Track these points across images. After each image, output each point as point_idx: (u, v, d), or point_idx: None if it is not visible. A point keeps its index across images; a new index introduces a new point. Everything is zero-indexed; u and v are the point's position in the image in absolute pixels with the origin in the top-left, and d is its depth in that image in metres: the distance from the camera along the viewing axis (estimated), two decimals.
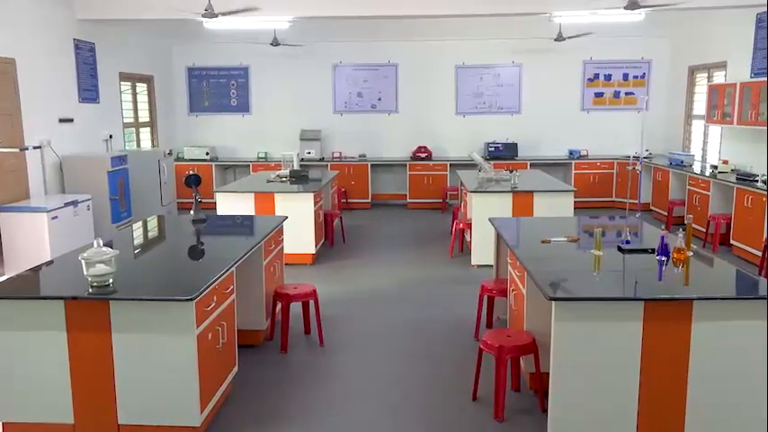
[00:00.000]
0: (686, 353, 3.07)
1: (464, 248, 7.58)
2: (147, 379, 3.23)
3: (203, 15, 7.19)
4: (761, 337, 3.06)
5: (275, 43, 9.94)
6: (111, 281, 3.29)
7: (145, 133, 10.44)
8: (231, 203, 7.03)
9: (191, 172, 5.28)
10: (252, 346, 4.69)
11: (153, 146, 10.54)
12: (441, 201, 10.74)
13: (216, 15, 7.22)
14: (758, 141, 8.02)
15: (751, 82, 7.90)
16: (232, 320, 3.83)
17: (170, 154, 9.54)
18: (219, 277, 3.49)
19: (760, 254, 6.62)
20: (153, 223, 5.31)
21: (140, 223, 5.27)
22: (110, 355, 3.21)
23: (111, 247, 3.38)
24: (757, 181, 7.09)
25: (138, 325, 3.19)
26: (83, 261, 3.24)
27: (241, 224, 5.50)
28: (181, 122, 11.52)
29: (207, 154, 11.00)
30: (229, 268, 3.69)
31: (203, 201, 5.43)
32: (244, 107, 11.49)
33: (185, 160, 10.94)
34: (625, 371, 3.09)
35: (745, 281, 3.51)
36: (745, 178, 7.40)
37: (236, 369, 3.94)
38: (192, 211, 5.19)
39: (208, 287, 3.29)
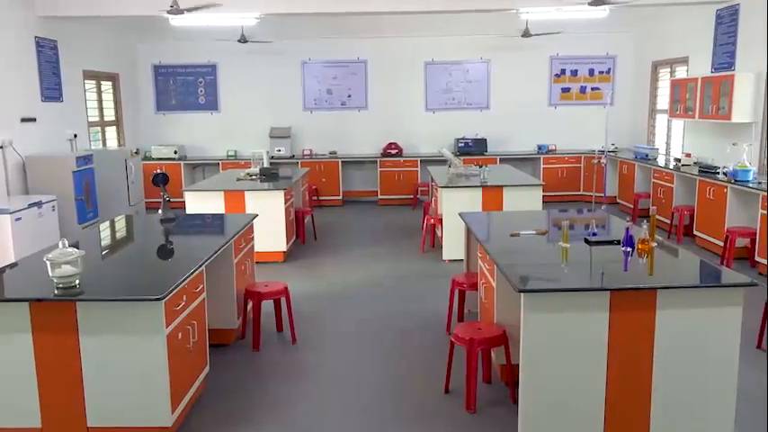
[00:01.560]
0: (651, 340, 3.14)
1: (435, 243, 7.63)
2: (117, 380, 3.19)
3: (169, 12, 7.10)
4: (723, 323, 3.15)
5: (243, 40, 9.85)
6: (77, 282, 3.23)
7: (111, 132, 10.26)
8: (200, 202, 6.96)
9: (158, 171, 5.21)
10: (224, 345, 4.66)
11: (119, 145, 10.37)
12: (412, 197, 10.78)
13: (182, 12, 7.13)
14: (719, 134, 8.22)
15: (711, 76, 8.10)
16: (202, 320, 3.81)
17: (137, 153, 9.41)
18: (189, 276, 3.46)
19: (722, 244, 6.80)
20: (120, 223, 5.23)
21: (107, 223, 5.19)
22: (77, 357, 3.16)
23: (78, 248, 3.33)
24: (719, 173, 7.27)
25: (106, 326, 3.14)
26: (48, 262, 3.18)
27: (210, 223, 5.46)
28: (148, 121, 11.34)
29: (175, 153, 10.86)
30: (199, 267, 3.66)
31: (172, 200, 5.38)
32: (212, 105, 11.37)
33: (153, 159, 10.79)
34: (592, 359, 3.15)
35: (707, 270, 3.61)
36: (708, 171, 7.58)
37: (207, 368, 3.91)
38: (160, 211, 5.13)
39: (177, 287, 3.26)
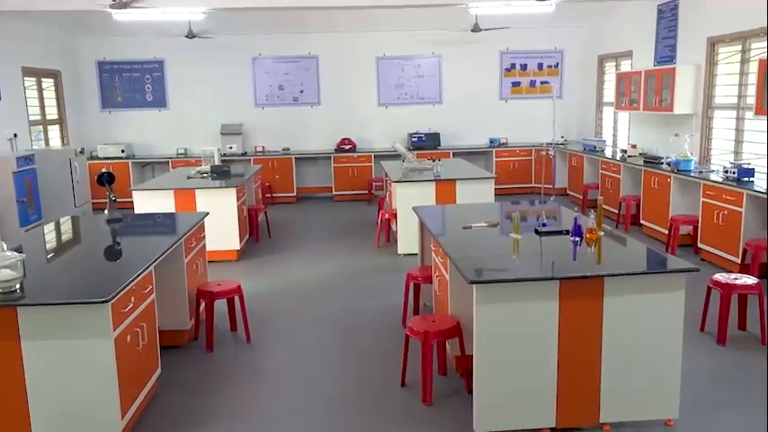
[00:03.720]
0: (599, 326, 3.22)
1: (390, 238, 7.65)
2: (63, 387, 3.08)
3: (111, 6, 6.89)
4: (667, 308, 3.25)
5: (191, 35, 9.64)
6: (17, 286, 3.11)
7: (54, 131, 9.91)
8: (149, 202, 6.79)
9: (104, 170, 5.06)
10: (176, 346, 4.57)
11: (63, 144, 10.03)
12: (366, 192, 10.78)
13: (125, 6, 6.93)
14: (662, 126, 8.49)
15: (654, 70, 8.35)
16: (152, 321, 3.72)
17: (82, 152, 9.13)
18: (136, 278, 3.37)
19: (667, 232, 7.03)
20: (66, 225, 5.06)
21: (52, 225, 5.01)
22: (20, 365, 3.04)
23: (20, 252, 3.20)
24: (662, 163, 7.51)
25: (49, 331, 3.03)
26: None
27: (160, 222, 5.33)
28: (93, 119, 11.00)
29: (123, 151, 10.57)
30: (147, 268, 3.57)
31: (119, 200, 5.24)
32: (160, 102, 11.11)
33: (99, 159, 10.49)
34: (544, 347, 3.22)
35: (651, 257, 3.72)
36: (652, 161, 7.82)
37: (159, 371, 3.83)
38: (106, 211, 4.99)
39: (124, 288, 3.17)
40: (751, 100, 6.54)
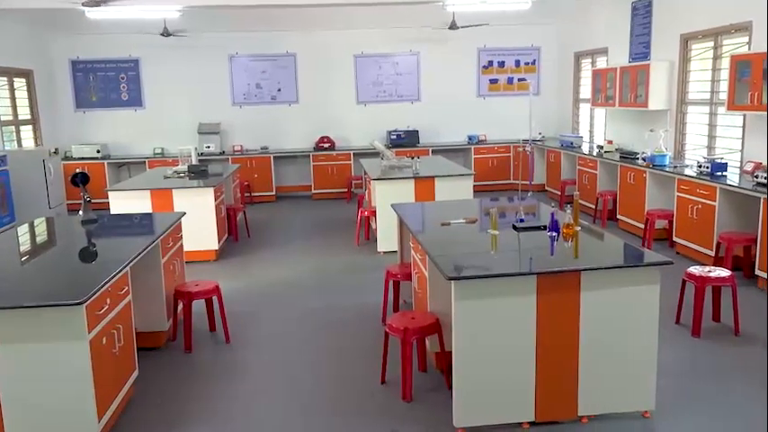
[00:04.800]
0: (577, 320, 3.26)
1: (370, 236, 7.64)
2: (38, 390, 3.03)
3: (84, 4, 6.79)
4: (642, 301, 3.29)
5: (166, 34, 9.55)
6: None
7: (27, 132, 9.74)
8: (126, 202, 6.70)
9: (78, 170, 4.99)
10: (154, 348, 4.52)
11: (36, 145, 9.86)
12: (346, 190, 10.76)
13: (98, 4, 6.83)
14: (638, 122, 8.59)
15: (629, 66, 8.44)
16: (129, 322, 3.67)
17: (56, 153, 8.98)
18: (112, 278, 3.33)
19: (643, 226, 7.12)
20: (40, 227, 4.98)
21: (25, 227, 4.93)
22: None
23: None
24: (638, 159, 7.60)
25: (23, 335, 2.98)
26: None
27: (136, 223, 5.26)
28: (67, 119, 10.83)
29: (98, 152, 10.42)
30: (122, 269, 3.53)
31: (95, 201, 5.16)
32: (136, 101, 10.97)
33: (74, 159, 10.33)
34: (522, 342, 3.24)
35: (627, 251, 3.76)
36: (628, 156, 7.91)
37: (136, 372, 3.78)
38: (80, 212, 4.92)
39: (99, 289, 3.13)
40: (723, 96, 6.65)
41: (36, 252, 4.33)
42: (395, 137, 10.95)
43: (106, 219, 5.18)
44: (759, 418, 3.41)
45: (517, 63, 11.43)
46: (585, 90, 10.29)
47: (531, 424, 3.35)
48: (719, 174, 6.29)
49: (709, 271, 4.59)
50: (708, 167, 6.38)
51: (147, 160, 10.54)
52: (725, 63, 6.70)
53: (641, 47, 8.49)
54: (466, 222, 4.44)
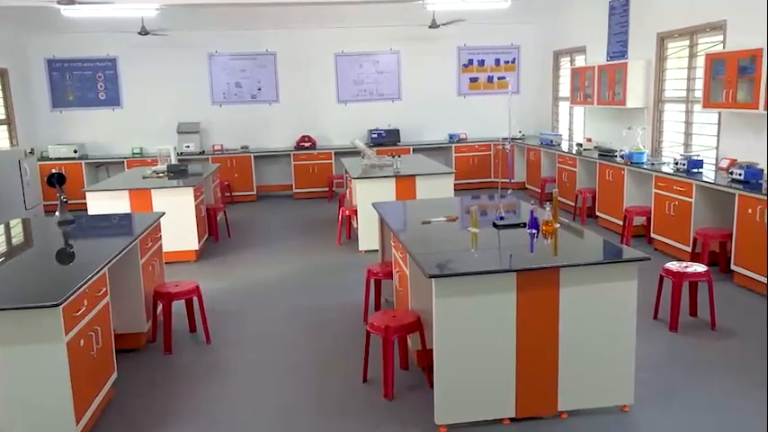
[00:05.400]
0: (556, 316, 3.28)
1: (352, 235, 7.64)
2: (14, 394, 2.99)
3: (59, 2, 6.69)
4: (620, 296, 3.33)
5: (144, 32, 9.45)
6: None
7: (2, 132, 9.59)
8: (104, 203, 6.62)
9: (54, 171, 4.92)
10: (134, 349, 4.48)
11: (12, 145, 9.70)
12: (327, 189, 10.74)
13: (74, 2, 6.74)
14: (616, 119, 8.68)
15: (607, 65, 8.53)
16: (107, 324, 3.63)
17: (32, 153, 8.84)
18: (89, 280, 3.29)
19: (621, 223, 7.20)
20: (16, 228, 4.90)
21: (1, 228, 4.84)
22: None
23: None
24: (616, 156, 7.68)
25: None
26: None
27: (114, 223, 5.20)
28: (44, 119, 10.67)
29: (75, 152, 10.28)
30: (100, 270, 3.49)
31: (71, 202, 5.09)
32: (114, 101, 10.84)
33: (51, 159, 10.19)
34: (503, 339, 3.26)
35: (605, 247, 3.79)
36: (606, 154, 7.99)
37: (115, 375, 3.74)
38: (57, 213, 4.85)
39: (76, 291, 3.09)
40: (699, 93, 6.75)
41: (12, 253, 4.26)
42: (376, 136, 10.95)
43: (83, 219, 5.12)
44: (735, 411, 3.47)
45: (497, 62, 11.49)
46: (565, 88, 10.38)
47: (512, 420, 3.37)
48: (695, 171, 6.38)
49: (686, 266, 4.66)
50: (684, 164, 6.47)
51: (125, 160, 10.42)
52: (700, 61, 6.79)
53: (619, 45, 8.58)
54: (446, 220, 4.46)
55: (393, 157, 7.84)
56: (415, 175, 7.07)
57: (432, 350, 3.31)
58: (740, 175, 5.64)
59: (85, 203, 6.71)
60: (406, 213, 5.06)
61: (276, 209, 10.07)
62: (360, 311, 5.06)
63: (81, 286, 3.17)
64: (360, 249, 7.01)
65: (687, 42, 7.26)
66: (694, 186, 6.05)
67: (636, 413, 3.45)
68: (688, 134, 7.33)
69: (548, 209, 3.91)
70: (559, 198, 8.24)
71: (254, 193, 10.79)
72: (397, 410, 3.59)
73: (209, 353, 4.51)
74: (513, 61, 11.51)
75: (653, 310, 4.83)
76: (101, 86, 10.77)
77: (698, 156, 6.70)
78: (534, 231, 3.88)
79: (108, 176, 10.29)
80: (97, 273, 3.43)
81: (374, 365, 3.95)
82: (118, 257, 3.83)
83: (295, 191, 10.86)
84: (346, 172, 8.02)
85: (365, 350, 3.93)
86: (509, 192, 5.33)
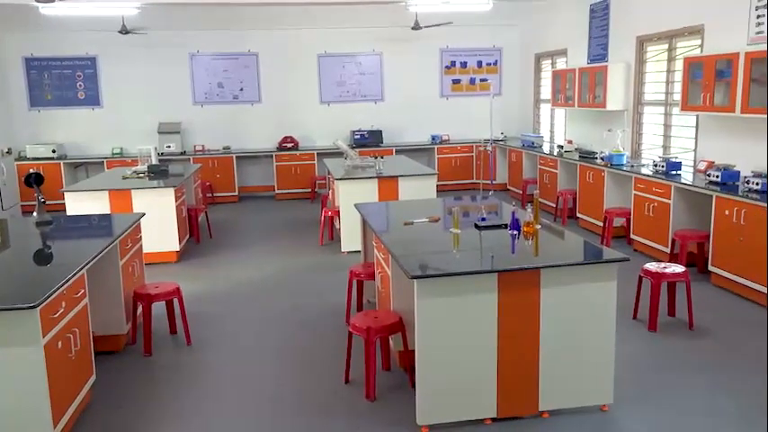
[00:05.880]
0: (537, 317, 3.31)
1: (334, 236, 7.63)
2: None
3: (37, 0, 6.60)
4: (600, 297, 3.36)
5: (124, 31, 9.35)
6: None
7: None
8: (83, 203, 6.54)
9: (32, 171, 4.85)
10: (113, 352, 4.43)
11: None
12: (309, 190, 10.71)
13: (52, 0, 6.65)
14: (596, 122, 8.77)
15: (588, 67, 8.61)
16: (85, 326, 3.59)
17: (9, 153, 8.72)
18: (67, 281, 3.25)
19: (601, 224, 7.27)
20: None
21: None
22: None
23: None
24: (596, 158, 7.76)
25: None
26: None
27: (93, 224, 5.14)
28: (21, 118, 10.50)
29: (54, 152, 10.15)
30: (78, 271, 3.44)
31: (50, 202, 5.02)
32: (93, 100, 10.71)
33: (29, 159, 10.04)
34: (484, 339, 3.28)
35: (586, 248, 3.83)
36: (587, 156, 8.07)
37: (93, 377, 3.70)
38: (35, 214, 4.78)
39: (54, 292, 3.05)
40: (677, 96, 6.84)
41: None
42: (358, 137, 10.95)
43: (62, 220, 5.05)
44: (712, 409, 3.52)
45: (479, 64, 11.55)
46: (546, 90, 10.46)
47: (494, 420, 3.39)
48: (674, 173, 6.46)
49: (665, 267, 4.72)
50: (663, 166, 6.56)
51: (105, 160, 10.31)
52: (679, 65, 6.89)
53: (599, 48, 8.67)
54: (429, 222, 4.47)
55: (376, 158, 7.84)
56: (397, 177, 7.07)
57: (414, 351, 3.32)
58: (717, 177, 5.73)
59: (64, 204, 6.63)
60: (389, 214, 5.06)
61: (258, 210, 10.02)
62: (341, 312, 5.05)
63: (59, 288, 3.13)
64: (342, 250, 7.00)
65: (666, 46, 7.36)
66: (673, 188, 6.13)
67: (615, 412, 3.49)
68: (667, 136, 7.43)
69: (529, 210, 3.93)
70: (541, 199, 8.32)
71: (236, 193, 10.73)
72: (378, 411, 3.59)
73: (190, 355, 4.47)
74: (496, 63, 11.58)
75: (632, 310, 4.89)
76: (80, 86, 10.64)
77: (676, 158, 6.79)
78: (515, 232, 3.91)
79: (87, 177, 10.17)
80: (75, 274, 3.39)
81: (356, 366, 3.95)
82: (97, 259, 3.79)
83: (277, 192, 10.82)
84: (329, 173, 8.00)
85: (347, 351, 3.93)
86: (491, 193, 5.36)
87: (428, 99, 11.46)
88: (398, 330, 3.75)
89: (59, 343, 3.17)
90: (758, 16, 5.77)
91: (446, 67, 11.48)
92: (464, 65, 11.52)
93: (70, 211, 6.51)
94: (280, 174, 10.75)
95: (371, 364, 3.67)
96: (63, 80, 10.59)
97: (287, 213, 9.59)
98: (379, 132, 11.09)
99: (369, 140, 10.94)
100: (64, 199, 6.65)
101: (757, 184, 5.25)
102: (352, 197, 6.53)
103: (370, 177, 7.05)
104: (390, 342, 4.12)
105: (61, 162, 10.14)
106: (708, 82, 6.03)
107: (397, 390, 3.82)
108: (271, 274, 6.37)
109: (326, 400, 3.75)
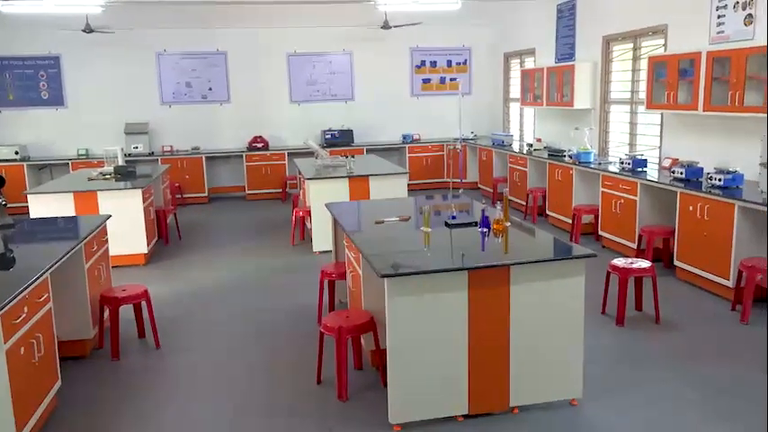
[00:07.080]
0: (507, 313, 3.33)
1: (305, 236, 7.59)
2: None
3: None
4: (568, 292, 3.40)
5: (88, 30, 9.17)
6: None
7: None
8: (47, 206, 6.39)
9: None
10: (79, 357, 4.34)
11: None
12: (280, 190, 10.64)
13: None
14: (564, 120, 8.88)
15: (555, 67, 8.71)
16: (49, 331, 3.51)
17: None
18: (29, 286, 3.16)
19: (570, 221, 7.36)
20: None
21: None
22: None
23: None
24: (565, 156, 7.85)
25: None
26: None
27: (57, 227, 5.02)
28: None
29: (16, 153, 9.91)
30: (41, 275, 3.36)
31: (11, 205, 4.89)
32: (57, 100, 10.48)
33: None
34: (455, 337, 3.29)
35: (554, 245, 3.88)
36: (556, 154, 8.16)
37: (59, 383, 3.61)
38: None
39: (15, 297, 2.97)
40: (642, 95, 6.96)
41: None
42: (329, 136, 10.91)
43: (25, 223, 4.93)
44: (680, 401, 3.59)
45: (449, 63, 11.60)
46: (515, 90, 10.55)
47: (465, 417, 3.41)
48: (640, 170, 6.58)
49: (632, 263, 4.80)
50: (629, 164, 6.67)
51: (70, 162, 10.10)
52: (643, 64, 7.01)
53: (566, 48, 8.78)
54: (399, 220, 4.47)
55: (346, 157, 7.82)
56: (368, 176, 7.07)
57: (385, 350, 3.32)
58: (681, 173, 5.84)
59: (27, 207, 6.47)
60: (360, 214, 5.05)
61: (228, 210, 9.92)
62: (313, 313, 5.02)
63: (21, 292, 3.05)
64: (314, 250, 6.97)
65: (631, 45, 7.49)
66: (639, 185, 6.24)
67: (584, 406, 3.54)
68: (633, 134, 7.56)
69: (499, 208, 3.96)
70: (511, 197, 8.39)
71: (206, 194, 10.61)
72: (351, 411, 3.58)
73: (159, 358, 4.41)
74: (465, 62, 11.64)
75: (601, 305, 4.96)
76: (43, 85, 10.40)
77: (642, 155, 6.91)
78: (486, 230, 3.94)
79: (52, 178, 9.93)
80: (38, 278, 3.30)
81: (328, 367, 3.93)
82: (61, 262, 3.71)
83: (248, 192, 10.72)
84: (300, 173, 7.96)
85: (319, 351, 3.91)
86: (461, 192, 5.39)
87: (399, 98, 11.48)
88: (370, 329, 3.75)
89: (22, 349, 3.09)
90: (719, 17, 5.91)
91: (416, 66, 11.51)
92: (434, 64, 11.56)
93: (34, 213, 6.36)
94: (250, 174, 10.66)
95: (343, 364, 3.66)
96: (25, 80, 10.34)
97: (258, 214, 9.51)
98: (350, 132, 11.06)
99: (339, 140, 10.91)
100: (27, 201, 6.49)
101: (720, 180, 5.37)
102: (323, 196, 6.50)
103: (341, 177, 7.03)
104: (362, 341, 4.11)
105: (24, 164, 9.90)
106: (671, 81, 6.15)
107: (370, 389, 3.82)
108: (241, 276, 6.31)
109: (298, 400, 3.72)
